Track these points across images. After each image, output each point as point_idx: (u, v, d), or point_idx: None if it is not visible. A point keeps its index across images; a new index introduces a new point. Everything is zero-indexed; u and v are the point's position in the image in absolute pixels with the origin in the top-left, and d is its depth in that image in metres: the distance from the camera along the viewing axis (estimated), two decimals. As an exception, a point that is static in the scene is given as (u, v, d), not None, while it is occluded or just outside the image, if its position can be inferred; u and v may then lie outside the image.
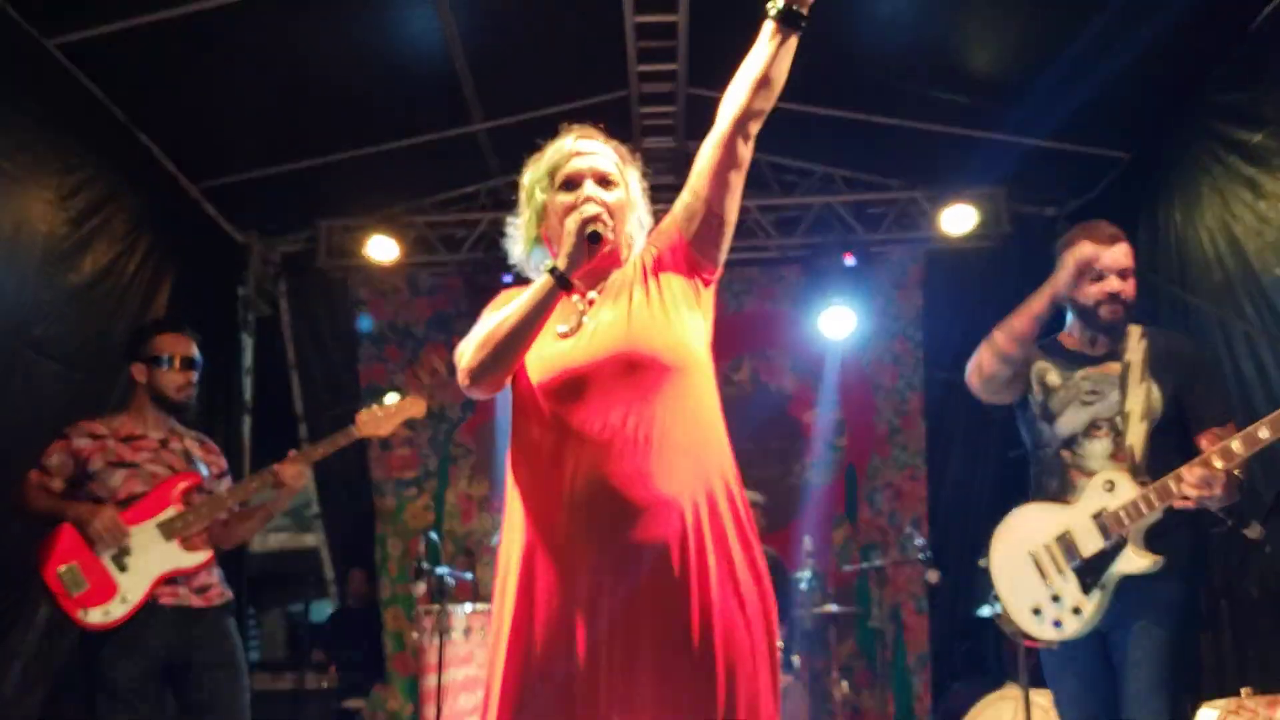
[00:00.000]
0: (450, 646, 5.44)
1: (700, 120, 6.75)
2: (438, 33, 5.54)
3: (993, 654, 7.01)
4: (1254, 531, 4.27)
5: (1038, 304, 3.31)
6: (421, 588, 5.31)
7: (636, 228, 2.46)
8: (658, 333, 2.21)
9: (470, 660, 5.64)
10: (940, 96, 6.19)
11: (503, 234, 2.53)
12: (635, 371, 2.18)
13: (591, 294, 2.36)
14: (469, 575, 6.36)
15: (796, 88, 6.34)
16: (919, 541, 6.30)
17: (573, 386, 2.19)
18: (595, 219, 2.25)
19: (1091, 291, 3.31)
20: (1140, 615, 3.14)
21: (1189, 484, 2.96)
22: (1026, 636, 3.27)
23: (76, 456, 3.89)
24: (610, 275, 2.39)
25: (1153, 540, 3.14)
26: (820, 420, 7.74)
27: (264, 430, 7.44)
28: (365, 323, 7.70)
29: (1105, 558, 3.14)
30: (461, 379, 2.32)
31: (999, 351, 3.36)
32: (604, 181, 2.37)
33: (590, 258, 2.27)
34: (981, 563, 5.80)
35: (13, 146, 4.63)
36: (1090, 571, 3.15)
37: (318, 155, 6.54)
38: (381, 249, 7.13)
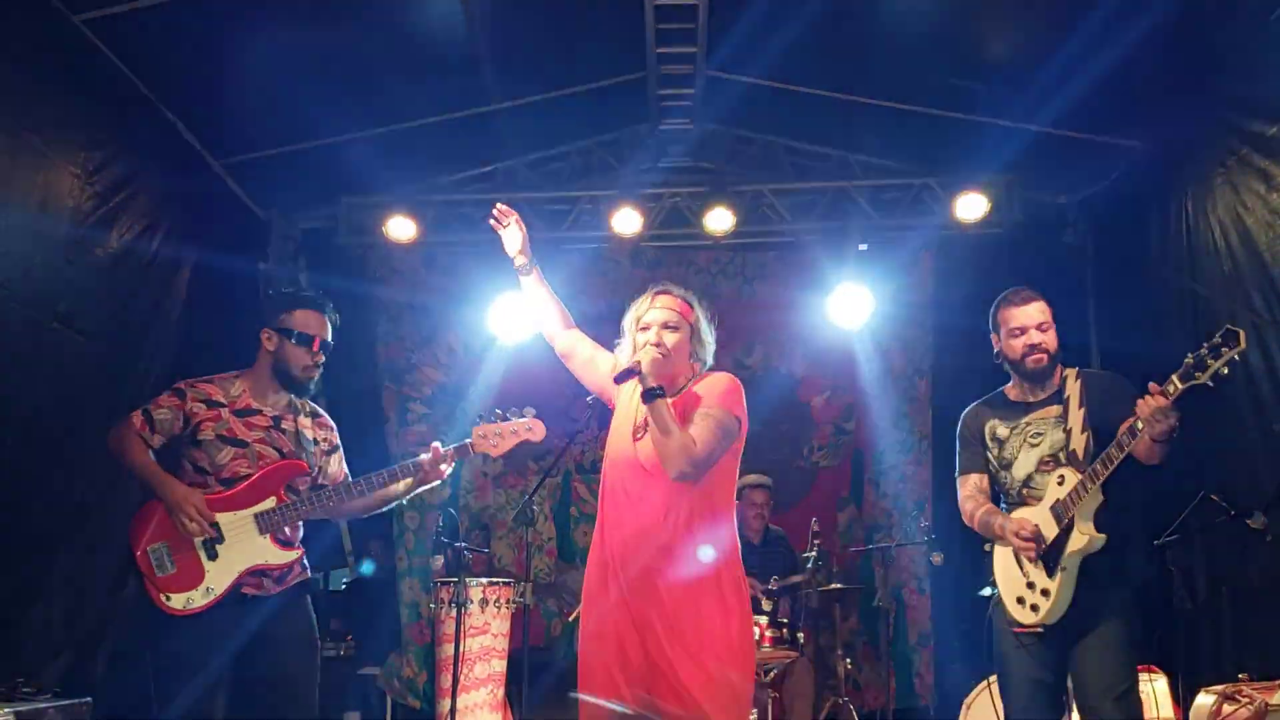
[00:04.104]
0: (467, 618, 5.54)
1: (718, 102, 6.86)
2: (459, 13, 5.60)
3: (992, 636, 7.07)
4: (1257, 522, 4.37)
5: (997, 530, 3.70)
6: (439, 561, 5.39)
7: (704, 352, 3.57)
8: None
9: (485, 630, 5.76)
10: (956, 83, 6.23)
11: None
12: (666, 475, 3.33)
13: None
14: (485, 550, 6.45)
15: (814, 73, 6.45)
16: (923, 524, 6.38)
17: (631, 467, 3.41)
18: (652, 360, 3.35)
19: (1016, 346, 3.73)
20: (1095, 622, 3.49)
21: (1143, 415, 3.22)
22: (1015, 624, 3.64)
23: (189, 420, 3.69)
24: (677, 388, 3.47)
25: (1099, 522, 3.45)
26: (829, 404, 7.81)
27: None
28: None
29: (1064, 543, 3.49)
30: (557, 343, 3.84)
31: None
32: (667, 327, 3.48)
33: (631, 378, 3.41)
34: (986, 548, 5.91)
35: (40, 122, 4.66)
36: (1053, 557, 3.51)
37: (340, 133, 6.58)
38: (400, 228, 7.19)
